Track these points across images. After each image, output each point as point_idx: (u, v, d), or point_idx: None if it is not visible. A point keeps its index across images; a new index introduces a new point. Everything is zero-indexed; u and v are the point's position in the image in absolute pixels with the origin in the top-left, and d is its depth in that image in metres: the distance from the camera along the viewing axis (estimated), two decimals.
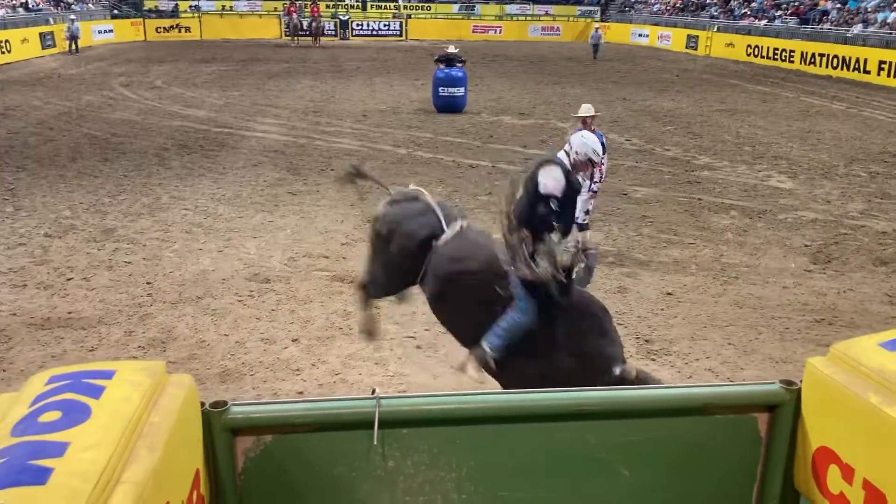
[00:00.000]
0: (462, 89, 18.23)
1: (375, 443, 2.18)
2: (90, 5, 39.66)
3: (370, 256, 4.98)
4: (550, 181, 4.01)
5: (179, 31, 39.78)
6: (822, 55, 28.60)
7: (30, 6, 34.01)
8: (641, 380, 4.05)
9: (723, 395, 2.39)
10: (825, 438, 2.17)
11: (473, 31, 43.37)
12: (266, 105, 19.10)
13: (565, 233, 4.08)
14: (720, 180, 12.26)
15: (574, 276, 4.05)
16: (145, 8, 42.51)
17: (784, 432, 2.30)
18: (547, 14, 46.72)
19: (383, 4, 46.78)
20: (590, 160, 4.76)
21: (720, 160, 13.74)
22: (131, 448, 1.68)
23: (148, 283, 7.66)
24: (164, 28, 39.77)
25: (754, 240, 9.32)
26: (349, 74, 25.95)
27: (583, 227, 8.44)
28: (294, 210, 10.23)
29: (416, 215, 4.63)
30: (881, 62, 25.81)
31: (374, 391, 2.22)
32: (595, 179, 8.25)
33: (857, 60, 26.88)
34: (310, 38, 37.04)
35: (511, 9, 46.96)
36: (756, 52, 32.24)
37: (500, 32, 43.65)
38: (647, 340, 6.58)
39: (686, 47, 36.60)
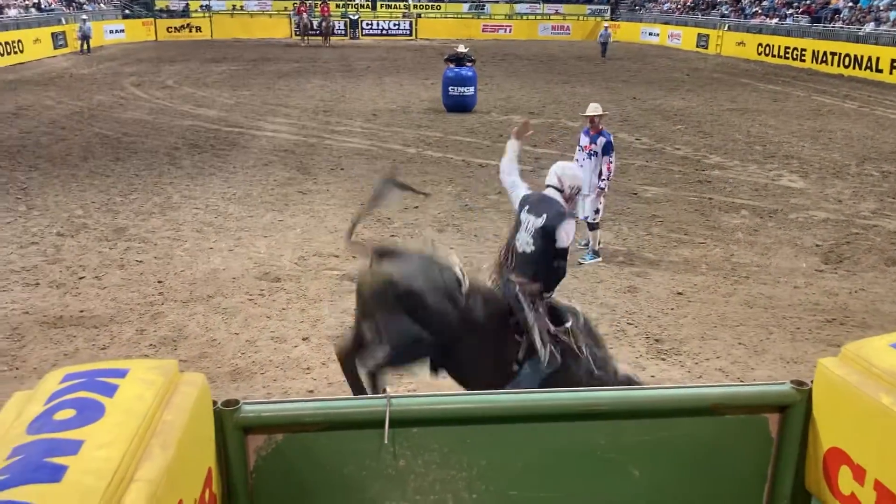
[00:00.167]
0: (472, 88, 18.22)
1: (386, 442, 2.19)
2: (102, 5, 39.84)
3: (381, 324, 4.03)
4: (566, 235, 4.08)
5: (190, 31, 39.91)
6: (833, 54, 28.43)
7: (42, 6, 34.20)
8: (625, 381, 4.11)
9: (733, 396, 2.38)
10: (836, 439, 2.16)
11: (483, 31, 43.33)
12: (276, 104, 19.15)
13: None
14: (731, 179, 12.22)
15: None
16: (156, 8, 42.69)
17: (795, 433, 2.29)
18: (557, 13, 46.64)
19: (393, 4, 46.79)
20: (579, 189, 4.48)
21: (731, 159, 13.69)
22: (145, 446, 1.69)
23: (159, 282, 7.70)
24: (175, 28, 39.90)
25: (765, 239, 9.28)
26: (359, 74, 25.98)
27: (593, 227, 8.45)
28: (304, 209, 10.26)
29: (432, 267, 4.09)
30: (893, 61, 25.64)
31: (384, 390, 2.22)
32: (603, 177, 8.25)
33: (870, 59, 26.71)
34: (320, 38, 37.07)
35: (521, 8, 46.89)
36: (767, 51, 32.08)
37: (509, 32, 43.59)
38: (657, 340, 6.56)
39: (697, 46, 36.45)
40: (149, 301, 7.23)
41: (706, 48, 35.72)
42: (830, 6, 32.45)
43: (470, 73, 18.09)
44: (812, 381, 2.27)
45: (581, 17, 45.92)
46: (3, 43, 27.15)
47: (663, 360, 6.22)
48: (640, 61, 31.77)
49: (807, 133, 16.35)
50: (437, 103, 18.77)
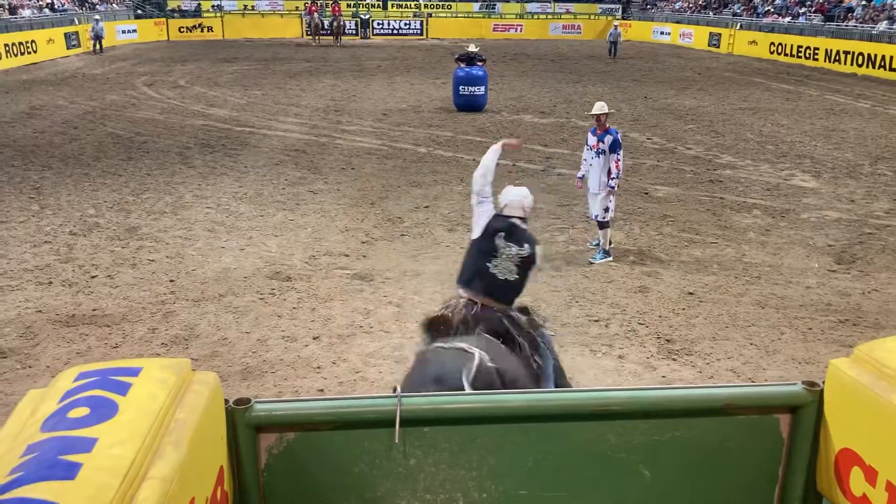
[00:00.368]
0: (482, 88, 18.21)
1: (397, 441, 2.19)
2: (114, 5, 40.04)
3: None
4: (541, 259, 4.11)
5: (202, 31, 40.05)
6: (846, 52, 28.25)
7: (55, 7, 34.41)
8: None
9: (744, 396, 2.37)
10: (848, 440, 2.15)
11: (494, 30, 43.28)
12: (287, 104, 19.20)
13: None
14: (742, 179, 12.17)
15: None
16: (168, 8, 42.88)
17: (806, 434, 2.28)
18: (568, 12, 46.53)
19: (404, 3, 46.81)
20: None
21: (743, 159, 13.63)
22: (157, 444, 1.71)
23: (171, 281, 7.74)
24: (187, 28, 40.05)
25: (777, 239, 9.24)
26: (370, 73, 26.02)
27: (603, 225, 8.44)
28: (315, 209, 10.29)
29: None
30: None
31: (395, 389, 2.23)
32: (612, 175, 8.24)
33: (883, 58, 26.52)
34: (331, 38, 37.14)
35: (532, 7, 46.81)
36: (779, 50, 31.90)
37: (520, 31, 43.53)
38: (668, 340, 6.55)
39: (708, 45, 36.29)
40: (160, 300, 7.27)
41: (718, 47, 35.56)
42: (843, 5, 32.26)
43: (480, 73, 18.08)
44: (824, 382, 2.26)
45: (592, 17, 45.80)
46: (17, 43, 27.35)
47: (674, 360, 6.21)
48: (652, 60, 31.67)
49: (819, 132, 16.26)
50: (448, 103, 18.78)
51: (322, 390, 5.65)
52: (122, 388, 1.83)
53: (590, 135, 8.43)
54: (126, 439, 1.65)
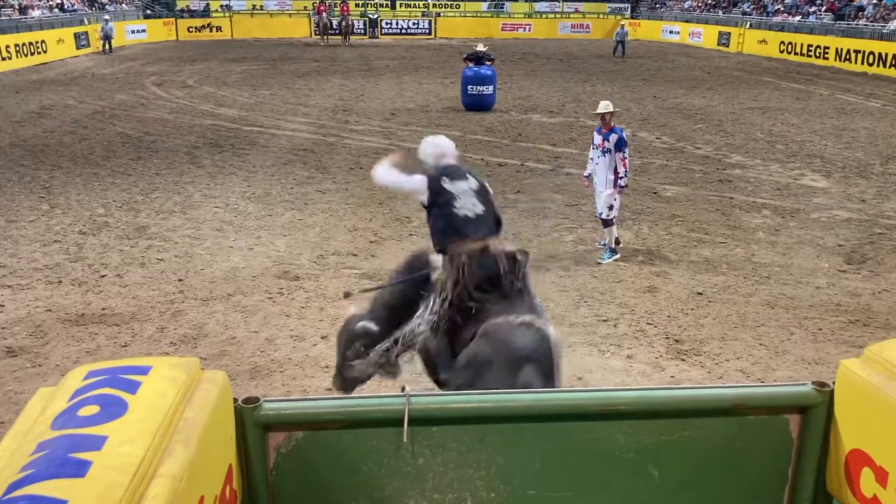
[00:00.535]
0: (491, 87, 18.19)
1: (405, 440, 2.19)
2: (123, 6, 40.21)
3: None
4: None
5: (211, 31, 40.17)
6: (857, 51, 28.10)
7: (65, 7, 34.57)
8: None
9: (754, 396, 2.36)
10: (858, 441, 2.14)
11: (502, 29, 43.25)
12: (296, 104, 19.23)
13: None
14: (752, 179, 12.12)
15: None
16: (177, 8, 43.04)
17: (816, 434, 2.27)
18: (576, 11, 46.49)
19: (412, 3, 46.87)
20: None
21: (752, 158, 13.58)
22: (167, 443, 1.71)
23: (179, 280, 7.76)
24: (196, 28, 40.18)
25: (787, 239, 9.20)
26: (378, 73, 26.03)
27: (607, 223, 8.42)
28: (323, 208, 10.30)
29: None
30: None
31: (403, 389, 2.23)
32: (620, 174, 8.23)
33: (894, 57, 26.36)
34: (339, 37, 37.19)
35: (540, 6, 46.79)
36: (789, 49, 31.77)
37: (529, 30, 43.48)
38: (677, 340, 6.53)
39: (718, 44, 36.17)
40: (169, 299, 7.30)
41: (727, 46, 35.43)
42: (854, 3, 32.10)
43: (489, 72, 18.07)
44: (834, 383, 2.25)
45: (601, 16, 45.73)
46: (27, 43, 27.51)
47: (683, 360, 6.19)
48: (661, 59, 31.59)
49: (830, 132, 16.18)
50: (456, 102, 18.78)
51: (331, 389, 5.65)
52: (132, 387, 1.84)
53: (595, 133, 8.43)
54: (136, 437, 1.66)
